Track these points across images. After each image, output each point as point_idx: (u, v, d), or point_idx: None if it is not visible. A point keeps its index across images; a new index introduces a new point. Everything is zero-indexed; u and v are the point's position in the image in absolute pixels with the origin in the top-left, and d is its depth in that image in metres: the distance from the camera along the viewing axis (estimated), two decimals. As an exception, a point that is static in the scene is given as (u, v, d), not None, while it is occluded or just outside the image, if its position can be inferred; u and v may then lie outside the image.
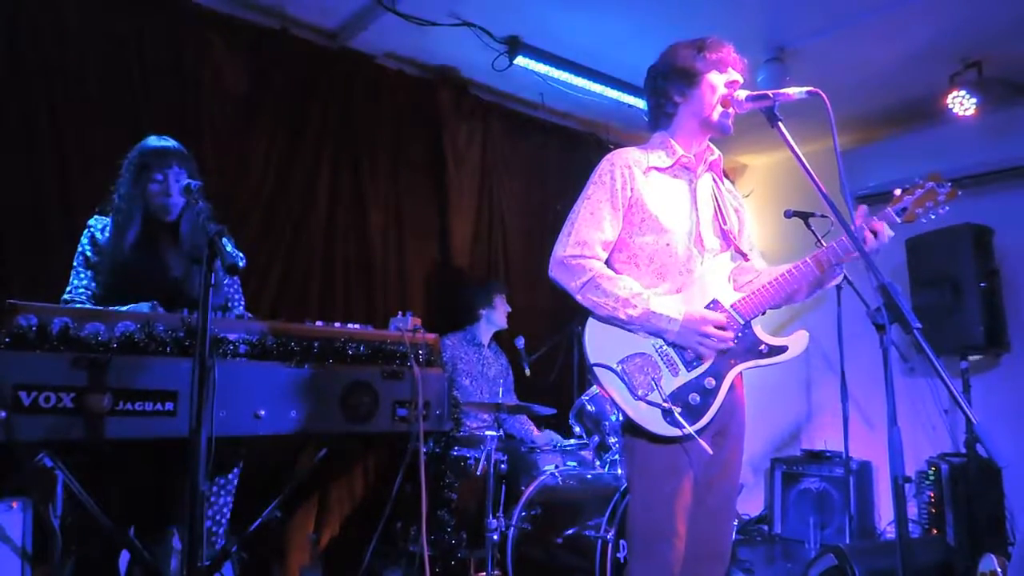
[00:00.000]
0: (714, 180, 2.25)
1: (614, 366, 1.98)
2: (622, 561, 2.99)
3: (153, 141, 2.43)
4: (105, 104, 3.52)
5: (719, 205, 2.21)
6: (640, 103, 4.44)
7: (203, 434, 1.68)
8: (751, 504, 5.85)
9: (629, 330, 2.02)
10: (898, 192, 2.07)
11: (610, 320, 2.03)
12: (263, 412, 2.00)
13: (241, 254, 2.10)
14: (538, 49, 4.41)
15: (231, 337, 2.00)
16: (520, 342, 4.33)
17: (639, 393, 1.97)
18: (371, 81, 4.47)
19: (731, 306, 2.06)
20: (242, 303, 2.62)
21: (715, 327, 1.99)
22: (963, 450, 4.59)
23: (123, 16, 3.60)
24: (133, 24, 3.63)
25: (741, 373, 2.09)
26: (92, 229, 2.41)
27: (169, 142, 2.44)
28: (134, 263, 2.32)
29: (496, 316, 4.42)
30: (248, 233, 3.85)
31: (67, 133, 3.39)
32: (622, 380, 1.98)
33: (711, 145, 2.23)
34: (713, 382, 2.01)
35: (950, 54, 4.38)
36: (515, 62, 4.39)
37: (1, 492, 2.75)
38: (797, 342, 2.07)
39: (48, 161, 3.34)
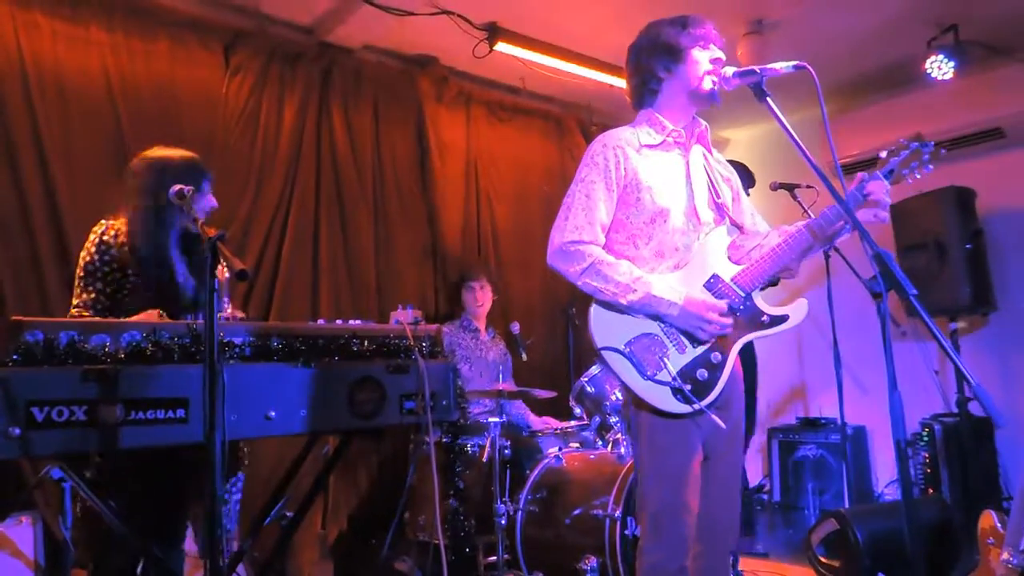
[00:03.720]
0: (704, 153, 2.27)
1: (622, 348, 2.01)
2: (630, 538, 3.03)
3: (177, 153, 2.43)
4: (84, 112, 3.49)
5: (711, 178, 2.23)
6: (622, 84, 4.48)
7: (217, 439, 1.70)
8: (749, 474, 5.93)
9: (630, 314, 2.04)
10: (884, 154, 2.10)
11: (610, 305, 2.05)
12: (274, 413, 2.01)
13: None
14: (518, 34, 4.41)
15: (236, 340, 2.01)
16: (515, 327, 4.35)
17: (648, 373, 1.99)
18: (350, 74, 4.45)
19: (731, 279, 2.09)
20: (228, 304, 2.61)
21: (714, 312, 2.02)
22: (955, 410, 4.67)
23: (97, 22, 3.57)
24: (107, 29, 3.60)
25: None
26: (102, 235, 2.34)
27: (190, 152, 2.46)
28: (157, 274, 2.31)
29: (479, 299, 4.42)
30: (232, 235, 3.84)
31: (48, 145, 3.35)
32: (631, 362, 2.00)
33: (697, 118, 2.25)
34: (719, 356, 2.05)
35: (926, 18, 4.40)
36: (495, 48, 4.38)
37: (10, 507, 2.77)
38: (797, 310, 2.11)
39: (33, 175, 3.31)
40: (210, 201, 2.41)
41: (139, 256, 2.30)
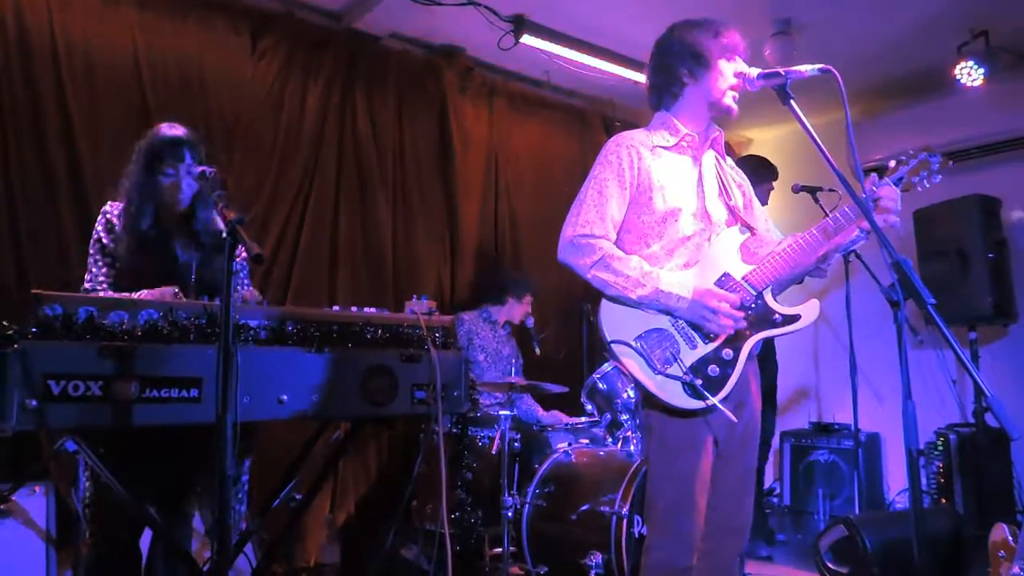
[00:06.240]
0: (716, 157, 2.27)
1: (632, 342, 2.01)
2: (637, 536, 3.03)
3: (164, 130, 2.42)
4: (111, 89, 3.53)
5: (722, 181, 2.23)
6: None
7: (229, 420, 1.71)
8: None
9: (640, 309, 2.04)
10: (892, 164, 2.10)
11: (619, 300, 2.05)
12: (286, 397, 2.02)
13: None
14: (544, 27, 4.40)
15: (252, 323, 2.02)
16: (530, 322, 4.37)
17: (658, 367, 1.99)
18: (376, 62, 4.46)
19: (742, 278, 2.08)
20: (248, 283, 2.63)
21: (724, 303, 2.01)
22: (971, 420, 4.62)
23: (127, 2, 3.61)
24: (137, 8, 3.63)
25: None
26: (107, 215, 2.39)
27: (180, 130, 2.43)
28: (146, 253, 2.33)
29: (516, 311, 4.46)
30: (253, 220, 3.86)
31: (75, 120, 3.41)
32: (641, 356, 2.00)
33: (713, 123, 2.24)
34: (731, 353, 2.04)
35: (957, 24, 4.35)
36: (521, 40, 4.37)
37: (24, 477, 2.82)
38: (809, 310, 2.10)
39: (57, 149, 3.36)
40: (191, 172, 2.38)
41: (125, 239, 2.32)
